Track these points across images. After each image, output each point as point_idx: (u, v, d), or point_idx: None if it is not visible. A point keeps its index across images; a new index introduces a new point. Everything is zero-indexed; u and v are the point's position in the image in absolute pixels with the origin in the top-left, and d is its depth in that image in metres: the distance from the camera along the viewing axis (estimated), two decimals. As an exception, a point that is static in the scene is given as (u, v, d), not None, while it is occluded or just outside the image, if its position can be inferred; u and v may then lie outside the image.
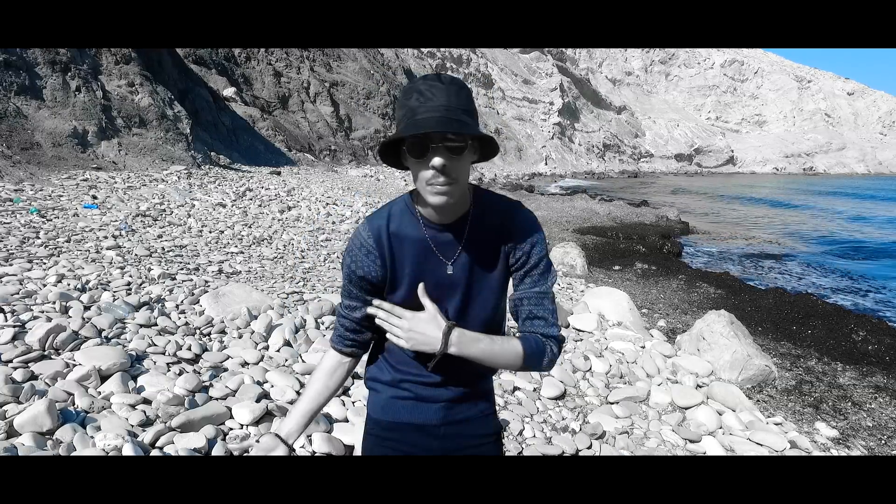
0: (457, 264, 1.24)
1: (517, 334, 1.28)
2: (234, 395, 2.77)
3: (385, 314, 1.21)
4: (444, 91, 1.09)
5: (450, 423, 1.33)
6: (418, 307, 1.22)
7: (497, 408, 1.50)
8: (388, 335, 1.24)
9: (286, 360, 3.33)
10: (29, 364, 2.57)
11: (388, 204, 1.28)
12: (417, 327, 1.18)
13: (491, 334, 1.23)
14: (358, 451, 2.44)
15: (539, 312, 1.25)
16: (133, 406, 2.45)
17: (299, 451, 2.51)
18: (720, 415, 3.86)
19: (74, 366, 2.62)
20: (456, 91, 1.10)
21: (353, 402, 3.00)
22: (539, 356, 1.23)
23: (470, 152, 1.14)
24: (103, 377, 2.60)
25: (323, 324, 4.02)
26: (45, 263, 4.38)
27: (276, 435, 1.30)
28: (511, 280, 1.30)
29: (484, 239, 1.25)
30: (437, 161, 1.08)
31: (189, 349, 3.15)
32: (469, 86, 1.21)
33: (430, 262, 1.23)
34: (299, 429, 1.32)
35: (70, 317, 3.15)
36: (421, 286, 1.21)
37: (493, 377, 1.36)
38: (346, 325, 1.33)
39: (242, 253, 6.25)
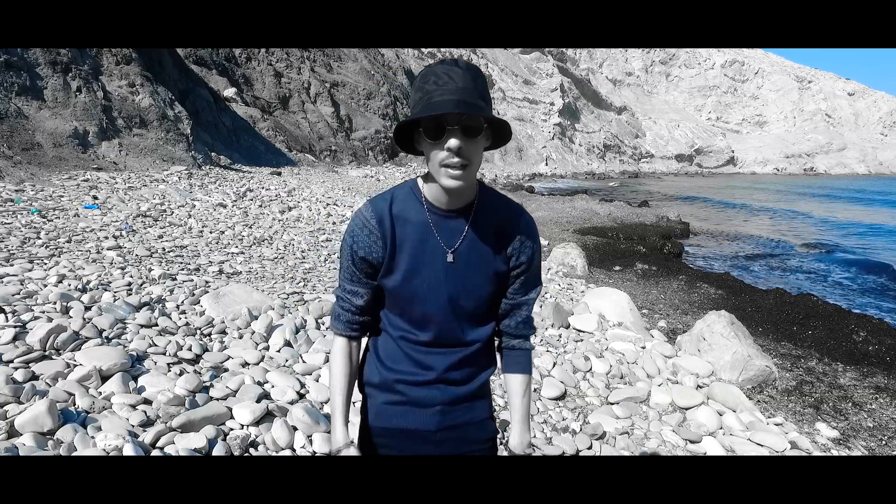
0: (457, 252, 1.23)
1: (513, 345, 1.36)
2: (234, 396, 2.77)
3: None
4: (461, 75, 1.09)
5: (446, 428, 1.29)
6: (412, 291, 1.23)
7: (496, 409, 1.52)
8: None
9: (287, 361, 3.34)
10: (30, 364, 2.58)
11: (391, 188, 1.28)
12: None
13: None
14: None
15: (531, 313, 1.37)
16: (134, 406, 2.46)
17: (299, 451, 2.51)
18: (720, 415, 3.85)
19: (75, 366, 2.62)
20: (472, 76, 1.11)
21: (354, 402, 3.00)
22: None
23: (484, 137, 1.15)
24: (104, 377, 2.60)
25: (323, 324, 4.02)
26: (45, 264, 4.38)
27: (337, 452, 1.28)
28: (509, 282, 1.31)
29: (486, 231, 1.25)
30: (452, 142, 1.09)
31: (189, 349, 3.15)
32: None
33: (430, 247, 1.22)
34: (346, 430, 1.31)
35: (71, 317, 3.16)
36: None
37: (493, 376, 1.37)
38: (349, 309, 1.30)
39: (243, 253, 6.25)
